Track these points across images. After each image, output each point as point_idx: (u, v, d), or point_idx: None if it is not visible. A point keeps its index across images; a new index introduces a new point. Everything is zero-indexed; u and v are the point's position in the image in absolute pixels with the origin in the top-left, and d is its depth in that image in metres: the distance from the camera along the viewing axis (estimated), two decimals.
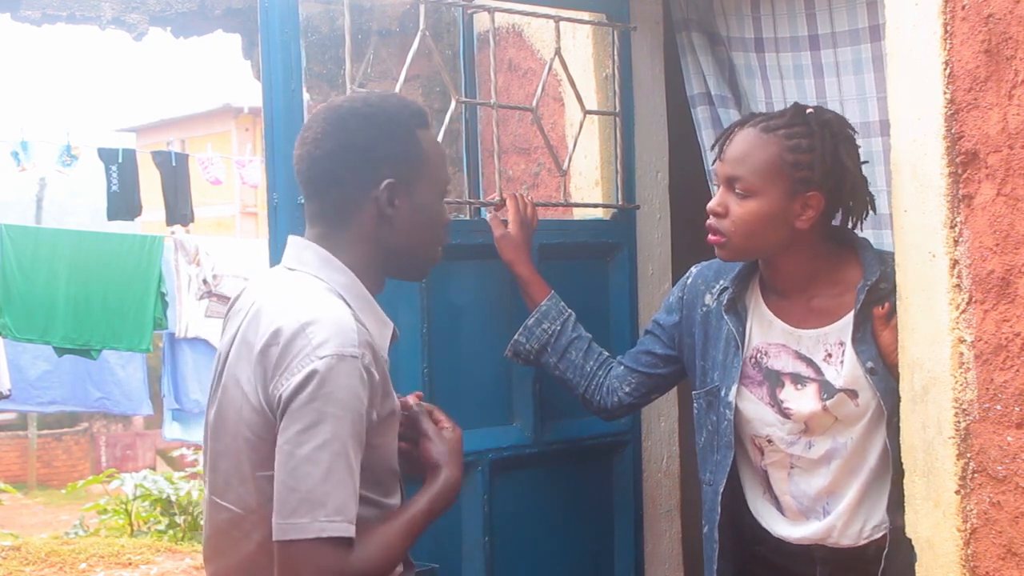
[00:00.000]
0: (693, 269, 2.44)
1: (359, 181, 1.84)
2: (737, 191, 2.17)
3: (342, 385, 1.69)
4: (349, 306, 1.80)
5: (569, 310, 2.64)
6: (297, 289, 1.81)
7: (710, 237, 2.22)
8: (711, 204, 2.22)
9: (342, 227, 1.86)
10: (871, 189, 2.31)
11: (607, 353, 2.63)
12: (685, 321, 2.40)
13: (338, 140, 1.84)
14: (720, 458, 2.32)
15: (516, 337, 2.64)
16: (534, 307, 2.63)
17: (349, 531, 1.68)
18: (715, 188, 3.09)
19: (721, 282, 2.34)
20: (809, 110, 2.21)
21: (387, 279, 1.95)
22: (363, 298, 1.85)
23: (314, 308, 1.76)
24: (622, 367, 2.55)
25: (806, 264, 2.22)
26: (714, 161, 2.29)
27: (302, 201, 2.00)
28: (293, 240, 1.93)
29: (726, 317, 2.29)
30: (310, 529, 1.66)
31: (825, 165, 2.15)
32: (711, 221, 2.21)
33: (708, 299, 2.35)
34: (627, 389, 2.54)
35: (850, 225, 2.26)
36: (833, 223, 2.27)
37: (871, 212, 2.26)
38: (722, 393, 2.29)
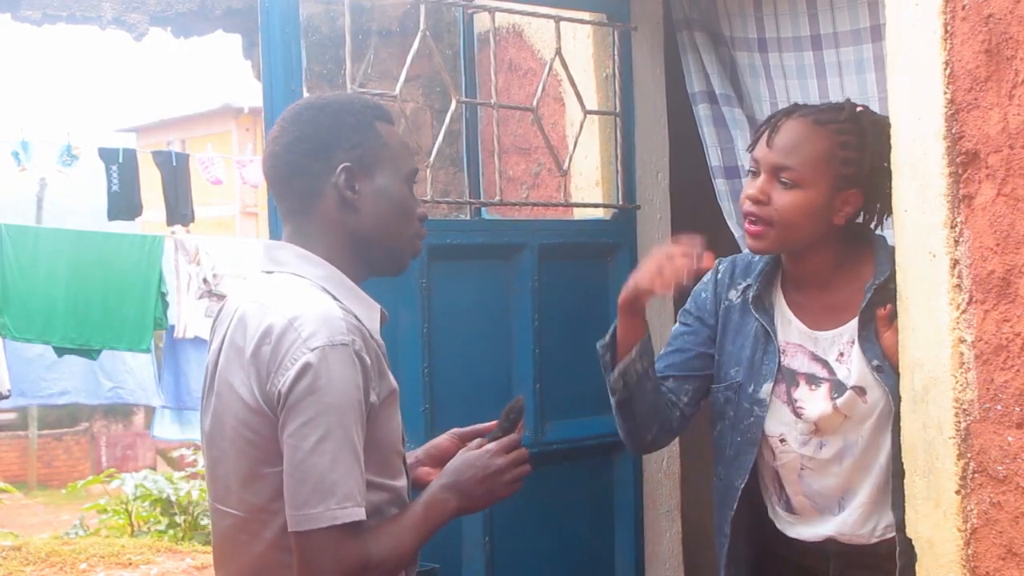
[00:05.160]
0: (720, 264, 2.39)
1: (317, 168, 1.87)
2: (783, 180, 2.16)
3: (336, 375, 1.72)
4: (334, 297, 1.83)
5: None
6: (279, 288, 1.84)
7: (750, 227, 2.19)
8: (751, 191, 2.18)
9: (309, 218, 1.89)
10: None
11: None
12: (720, 314, 2.38)
13: (294, 132, 1.89)
14: (738, 454, 2.31)
15: (628, 361, 2.26)
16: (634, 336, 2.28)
17: (360, 514, 1.73)
18: (719, 185, 3.11)
19: (747, 280, 2.33)
20: (860, 108, 2.22)
21: (370, 276, 1.95)
22: (345, 286, 1.87)
23: (299, 303, 1.78)
24: (671, 379, 2.35)
25: (829, 258, 2.23)
26: (751, 148, 2.25)
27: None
28: (266, 244, 1.97)
29: (755, 313, 2.28)
30: (323, 518, 1.70)
31: (872, 165, 2.16)
32: (751, 208, 2.18)
33: (732, 295, 2.35)
34: (686, 400, 2.36)
35: (873, 224, 2.27)
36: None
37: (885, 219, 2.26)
38: (750, 389, 2.28)
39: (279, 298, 1.81)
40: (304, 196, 1.88)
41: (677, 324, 2.44)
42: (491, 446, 1.95)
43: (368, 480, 1.77)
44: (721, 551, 2.35)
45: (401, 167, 1.92)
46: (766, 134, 2.21)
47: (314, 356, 1.72)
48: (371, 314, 1.89)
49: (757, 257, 2.33)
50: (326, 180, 1.86)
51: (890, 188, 2.18)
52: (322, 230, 1.88)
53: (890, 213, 2.22)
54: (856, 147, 2.16)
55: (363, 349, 1.77)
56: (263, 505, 1.80)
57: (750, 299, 2.30)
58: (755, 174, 2.21)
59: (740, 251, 2.87)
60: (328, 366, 1.72)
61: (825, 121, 2.18)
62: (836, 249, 2.23)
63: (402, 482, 1.91)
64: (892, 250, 2.15)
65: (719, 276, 2.38)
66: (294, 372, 1.72)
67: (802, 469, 2.26)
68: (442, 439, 2.13)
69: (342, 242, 1.88)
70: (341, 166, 1.86)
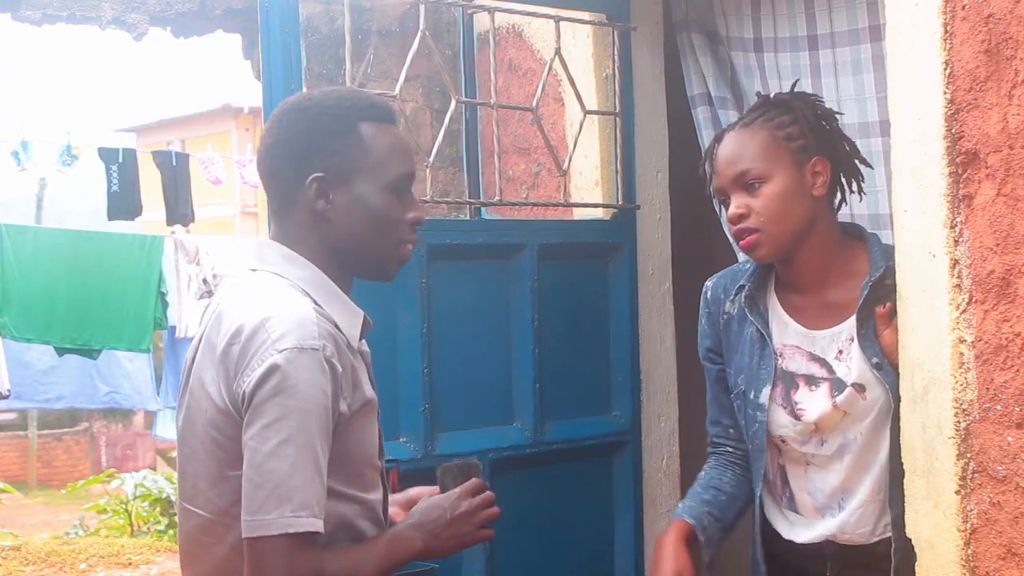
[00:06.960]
0: (708, 283, 2.40)
1: (290, 176, 1.82)
2: (749, 183, 2.18)
3: (304, 378, 1.68)
4: (313, 300, 1.79)
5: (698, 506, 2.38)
6: (257, 287, 1.80)
7: (743, 243, 2.20)
8: (731, 213, 2.20)
9: (287, 223, 1.85)
10: (872, 189, 2.33)
11: (714, 473, 2.42)
12: (721, 336, 2.39)
13: (276, 135, 1.85)
14: (752, 462, 2.31)
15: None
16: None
17: (316, 525, 1.67)
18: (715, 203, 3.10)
19: (739, 282, 2.33)
20: (774, 94, 2.30)
21: (358, 279, 1.91)
22: (327, 290, 1.83)
23: (273, 304, 1.74)
24: (733, 428, 2.38)
25: (821, 253, 2.23)
26: (709, 179, 2.28)
27: None
28: (256, 240, 1.93)
29: (750, 317, 2.28)
30: (276, 525, 1.65)
31: (814, 129, 2.21)
32: (738, 226, 2.19)
33: (728, 306, 2.34)
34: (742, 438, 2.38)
35: (853, 192, 2.28)
36: (841, 220, 2.29)
37: (862, 184, 2.30)
38: (751, 395, 2.28)
39: (254, 297, 1.77)
40: (280, 200, 1.85)
41: (704, 364, 2.44)
42: (456, 490, 1.92)
43: (338, 491, 1.74)
44: (758, 557, 2.34)
45: (385, 173, 1.84)
46: (709, 165, 2.26)
47: (282, 358, 1.67)
48: (352, 320, 1.84)
49: (748, 264, 2.34)
50: (298, 189, 1.82)
51: (845, 146, 2.26)
52: (299, 236, 1.84)
53: (863, 178, 2.29)
54: (789, 122, 2.21)
55: (335, 356, 1.73)
56: (227, 508, 1.75)
57: (743, 300, 2.30)
58: (725, 203, 2.23)
59: (737, 253, 2.88)
60: (296, 369, 1.67)
61: (748, 121, 2.24)
62: (824, 243, 2.22)
63: (376, 495, 1.86)
64: (886, 247, 2.16)
65: (709, 297, 2.39)
66: (260, 373, 1.67)
67: (807, 465, 2.26)
68: (424, 489, 2.09)
69: (319, 249, 1.84)
70: (311, 176, 1.80)
